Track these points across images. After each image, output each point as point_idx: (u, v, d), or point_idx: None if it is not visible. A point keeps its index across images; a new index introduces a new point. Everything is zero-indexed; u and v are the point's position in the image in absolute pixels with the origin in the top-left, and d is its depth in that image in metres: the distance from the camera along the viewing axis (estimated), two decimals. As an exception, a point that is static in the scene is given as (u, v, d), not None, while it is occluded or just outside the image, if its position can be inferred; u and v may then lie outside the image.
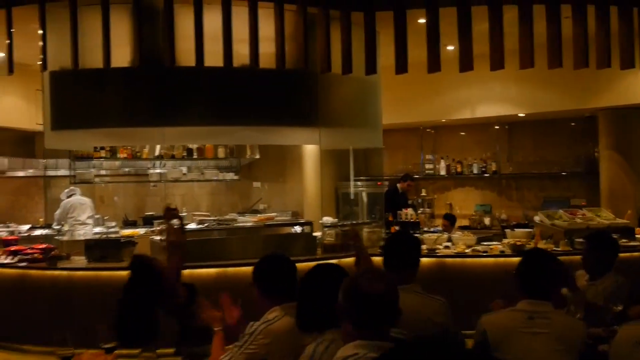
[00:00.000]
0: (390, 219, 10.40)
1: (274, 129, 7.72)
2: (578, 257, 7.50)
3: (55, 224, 10.21)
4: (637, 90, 9.67)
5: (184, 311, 5.01)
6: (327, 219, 9.15)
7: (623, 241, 8.15)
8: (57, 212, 10.28)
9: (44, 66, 7.14)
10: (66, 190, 10.35)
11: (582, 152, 11.25)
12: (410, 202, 10.96)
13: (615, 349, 3.41)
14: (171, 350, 5.26)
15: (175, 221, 5.46)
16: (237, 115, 7.35)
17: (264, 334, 3.58)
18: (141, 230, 10.77)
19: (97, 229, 10.63)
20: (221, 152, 11.40)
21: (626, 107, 9.89)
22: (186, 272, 5.52)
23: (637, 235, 8.55)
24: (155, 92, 7.23)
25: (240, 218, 8.98)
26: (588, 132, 11.23)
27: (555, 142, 11.50)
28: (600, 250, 5.27)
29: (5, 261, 7.68)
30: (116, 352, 3.75)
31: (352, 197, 10.64)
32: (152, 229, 10.47)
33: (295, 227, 8.38)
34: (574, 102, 10.17)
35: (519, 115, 10.92)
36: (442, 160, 12.13)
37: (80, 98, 7.27)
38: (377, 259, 6.45)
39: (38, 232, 10.33)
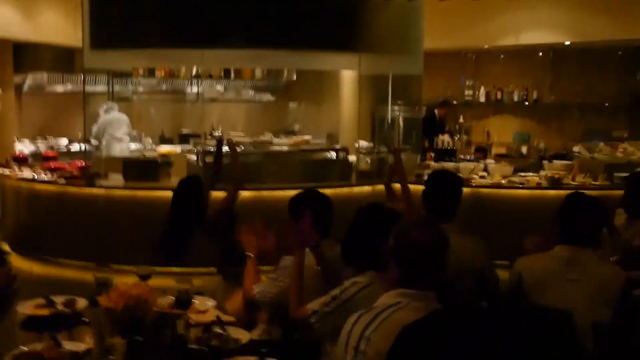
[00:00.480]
0: (427, 145, 10.33)
1: (314, 53, 7.62)
2: (617, 192, 7.49)
3: (92, 139, 10.32)
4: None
5: (225, 235, 5.11)
6: (363, 143, 9.12)
7: (663, 177, 8.01)
8: (94, 127, 10.37)
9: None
10: (104, 106, 10.40)
11: (628, 84, 10.90)
12: (447, 128, 10.84)
13: None
14: (214, 270, 5.43)
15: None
16: (277, 38, 7.23)
17: (296, 269, 3.59)
18: (177, 149, 10.84)
19: (134, 146, 10.75)
20: (258, 73, 11.30)
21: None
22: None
23: (678, 172, 8.37)
24: (195, 14, 7.11)
25: (276, 140, 8.98)
26: (636, 63, 10.86)
27: (600, 72, 11.13)
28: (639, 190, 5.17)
29: (45, 178, 7.82)
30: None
31: (389, 121, 10.54)
32: (188, 148, 10.57)
33: (330, 152, 8.33)
34: (624, 31, 9.77)
35: (565, 43, 10.57)
36: (482, 87, 11.89)
37: (120, 17, 7.21)
38: (412, 187, 6.48)
39: (76, 147, 10.45)
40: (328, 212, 3.85)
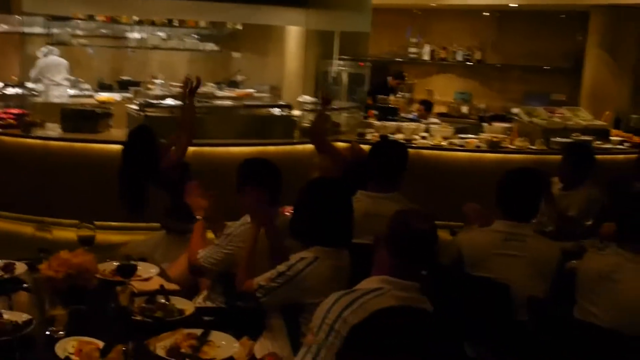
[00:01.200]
0: (370, 102, 10.36)
1: (262, 7, 7.49)
2: (553, 157, 7.70)
3: (30, 83, 10.01)
4: (633, -12, 9.48)
5: (175, 188, 5.03)
6: (306, 98, 9.08)
7: (597, 143, 8.26)
8: (32, 71, 10.06)
9: None
10: (43, 49, 10.07)
11: (570, 48, 11.08)
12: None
13: (581, 277, 3.47)
14: (157, 225, 5.38)
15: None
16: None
17: (241, 235, 3.59)
18: (117, 96, 10.59)
19: (72, 91, 10.47)
20: (202, 22, 11.06)
21: (620, 5, 9.67)
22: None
23: (611, 138, 8.62)
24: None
25: (218, 93, 8.85)
26: (578, 27, 11.03)
27: (544, 35, 11.28)
28: (577, 163, 5.31)
29: (-22, 125, 7.57)
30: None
31: (334, 75, 10.49)
32: (128, 95, 10.35)
33: (274, 108, 8.27)
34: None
35: (511, 5, 10.65)
36: (427, 45, 11.92)
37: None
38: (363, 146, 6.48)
39: (11, 91, 10.11)
40: (279, 185, 3.80)
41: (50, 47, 10.03)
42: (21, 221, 7.23)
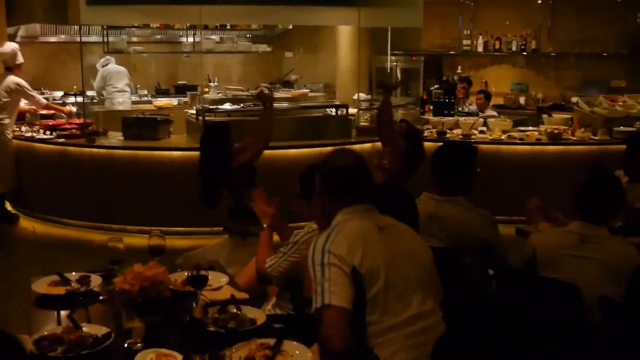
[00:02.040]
0: (425, 97, 10.29)
1: (313, 8, 7.52)
2: (616, 147, 7.56)
3: (95, 92, 10.28)
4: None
5: (241, 190, 5.11)
6: (362, 95, 9.06)
7: (662, 131, 8.04)
8: (95, 81, 10.35)
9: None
10: (102, 60, 10.37)
11: (626, 33, 10.79)
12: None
13: None
14: (220, 229, 5.47)
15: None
16: (275, -6, 7.16)
17: (307, 243, 3.61)
18: (174, 101, 10.79)
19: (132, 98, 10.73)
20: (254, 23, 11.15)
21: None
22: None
23: (677, 125, 8.39)
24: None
25: (275, 94, 8.89)
26: (634, 11, 10.75)
27: (599, 21, 10.99)
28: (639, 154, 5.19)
29: (44, 136, 7.78)
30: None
31: (388, 71, 10.46)
32: (184, 100, 10.52)
33: (330, 108, 8.29)
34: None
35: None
36: (480, 36, 11.77)
37: (116, -27, 7.08)
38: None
39: (72, 99, 10.38)
40: None
41: (108, 57, 10.28)
42: (89, 229, 7.45)
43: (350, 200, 2.98)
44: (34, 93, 8.53)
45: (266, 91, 5.49)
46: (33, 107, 8.59)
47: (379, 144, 6.47)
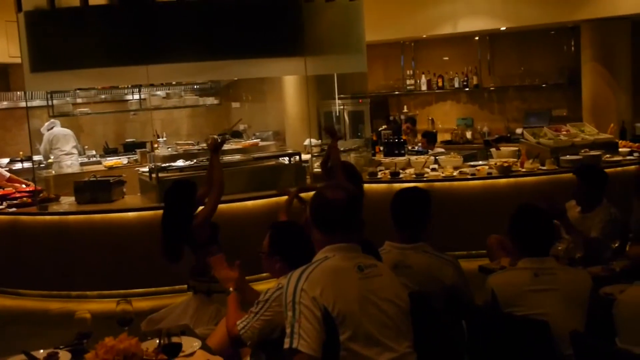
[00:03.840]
0: (375, 138, 10.44)
1: (260, 61, 7.56)
2: (564, 175, 7.75)
3: (42, 157, 10.15)
4: (619, 1, 9.57)
5: (202, 248, 5.07)
6: (313, 141, 9.12)
7: (607, 156, 8.29)
8: (41, 146, 10.23)
9: (19, 7, 6.86)
10: (46, 124, 10.28)
11: (564, 63, 11.17)
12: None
13: (621, 308, 3.48)
14: (182, 287, 5.41)
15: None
16: (222, 49, 7.20)
17: (278, 300, 3.60)
18: (123, 159, 10.72)
19: (79, 159, 10.61)
20: (200, 76, 11.18)
21: (609, 18, 9.76)
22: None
23: (620, 149, 8.65)
24: (136, 30, 7.02)
25: (225, 146, 8.89)
26: (570, 42, 11.15)
27: (537, 53, 11.41)
28: (592, 184, 5.35)
29: (-6, 206, 7.63)
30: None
31: (337, 115, 10.58)
32: (135, 158, 10.45)
33: (283, 157, 8.33)
34: (556, 15, 10.01)
35: (501, 29, 10.77)
36: (422, 75, 12.03)
37: (59, 38, 7.04)
38: (365, 186, 6.54)
39: (18, 166, 10.22)
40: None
41: (53, 120, 10.19)
42: (48, 298, 7.27)
43: (336, 236, 2.98)
44: None
45: (216, 138, 5.47)
46: None
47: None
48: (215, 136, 5.42)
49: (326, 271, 2.87)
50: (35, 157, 9.89)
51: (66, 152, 10.27)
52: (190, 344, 3.53)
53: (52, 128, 10.28)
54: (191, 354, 3.44)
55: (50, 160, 10.23)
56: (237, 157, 8.12)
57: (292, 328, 2.77)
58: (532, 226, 3.80)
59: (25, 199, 7.64)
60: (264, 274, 6.40)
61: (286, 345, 2.76)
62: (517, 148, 8.95)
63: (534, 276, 3.66)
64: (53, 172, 9.87)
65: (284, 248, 3.78)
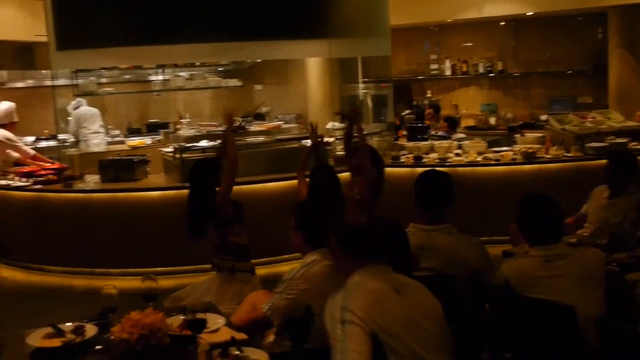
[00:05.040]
0: (397, 122, 10.39)
1: (283, 42, 7.53)
2: (590, 162, 7.69)
3: (69, 136, 10.23)
4: (649, -13, 9.45)
5: (227, 226, 5.10)
6: (335, 124, 9.11)
7: (633, 144, 8.20)
8: (70, 125, 10.30)
9: (45, -15, 6.91)
10: (73, 103, 10.32)
11: (590, 50, 11.05)
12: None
13: None
14: (206, 266, 5.44)
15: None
16: (245, 30, 7.16)
17: (303, 279, 3.64)
18: (147, 139, 10.76)
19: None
20: (223, 57, 11.18)
21: (637, 4, 9.62)
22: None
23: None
24: (160, 9, 7.01)
25: (249, 128, 8.89)
26: (597, 29, 11.01)
27: (563, 39, 11.28)
28: (623, 170, 5.30)
29: (20, 184, 7.69)
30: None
31: (360, 99, 10.56)
32: (158, 138, 10.48)
33: (305, 140, 8.31)
34: (583, 0, 9.92)
35: (527, 14, 10.66)
36: (447, 60, 11.95)
37: (84, 17, 7.06)
38: (388, 170, 6.55)
39: (44, 144, 10.30)
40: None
41: (79, 99, 10.24)
42: (71, 274, 7.36)
43: (366, 260, 3.01)
44: (21, 144, 8.49)
45: (237, 119, 5.50)
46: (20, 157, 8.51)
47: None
48: (238, 118, 5.44)
49: (368, 294, 2.91)
50: (60, 136, 9.98)
51: (93, 131, 10.35)
52: (215, 321, 3.56)
53: (78, 107, 10.34)
54: (215, 330, 3.47)
55: (77, 140, 10.29)
56: (260, 139, 8.13)
57: (342, 344, 2.82)
58: (538, 216, 3.74)
59: (50, 176, 7.71)
60: (287, 255, 6.48)
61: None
62: (541, 134, 8.87)
63: (545, 262, 3.62)
64: (81, 150, 9.92)
65: (304, 224, 3.81)
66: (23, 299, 6.89)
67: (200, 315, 3.28)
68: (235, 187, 5.34)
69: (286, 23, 7.41)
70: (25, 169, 8.07)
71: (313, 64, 10.93)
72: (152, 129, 11.32)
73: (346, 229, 3.09)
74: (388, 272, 3.03)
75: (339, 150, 8.36)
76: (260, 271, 6.14)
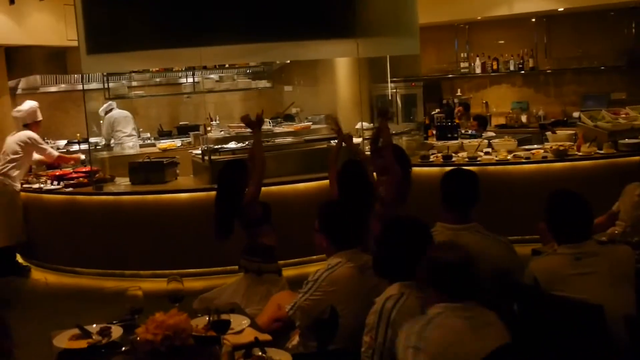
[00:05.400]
0: (427, 121, 10.33)
1: (311, 42, 7.51)
2: (623, 159, 7.55)
3: (101, 139, 10.35)
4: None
5: (255, 228, 5.10)
6: (365, 124, 9.08)
7: (668, 140, 8.04)
8: (103, 129, 10.43)
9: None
10: (104, 106, 10.44)
11: (624, 45, 10.84)
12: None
13: None
14: (234, 267, 5.45)
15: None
16: (274, 31, 7.14)
17: (328, 280, 3.63)
18: (177, 142, 10.84)
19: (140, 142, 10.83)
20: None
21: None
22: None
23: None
24: (189, 12, 7.03)
25: (276, 129, 8.93)
26: (631, 24, 10.81)
27: (595, 35, 11.08)
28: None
29: (51, 187, 7.79)
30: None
31: (389, 98, 10.52)
32: (188, 140, 10.56)
33: (334, 140, 8.28)
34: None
35: (558, 10, 10.52)
36: (477, 58, 11.84)
37: (114, 21, 7.11)
38: (416, 169, 6.50)
39: (75, 147, 10.42)
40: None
41: (111, 102, 10.36)
42: (102, 276, 7.44)
43: (453, 296, 2.94)
44: (46, 146, 8.60)
45: (257, 118, 5.52)
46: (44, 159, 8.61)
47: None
48: (249, 115, 5.51)
49: (448, 332, 2.87)
50: (92, 139, 10.10)
51: (127, 133, 10.47)
52: (239, 322, 3.57)
53: (110, 110, 10.45)
54: (240, 332, 3.47)
55: (111, 144, 10.40)
56: (289, 139, 8.13)
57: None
58: (566, 213, 3.68)
59: (81, 179, 7.80)
60: (316, 257, 6.47)
61: None
62: (573, 132, 8.74)
63: (575, 260, 3.57)
64: (112, 153, 10.03)
65: (328, 227, 3.80)
66: (54, 300, 6.97)
67: (224, 317, 3.28)
68: (264, 188, 5.35)
69: (314, 23, 7.37)
70: (57, 172, 8.17)
71: (342, 64, 10.91)
72: (182, 131, 11.41)
73: (439, 266, 2.99)
74: (470, 309, 2.94)
75: (367, 151, 8.32)
76: (290, 272, 6.16)
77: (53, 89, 11.09)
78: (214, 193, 5.39)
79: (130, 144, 10.37)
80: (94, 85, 10.74)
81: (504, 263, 3.89)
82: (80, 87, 10.56)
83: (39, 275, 7.84)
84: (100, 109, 10.46)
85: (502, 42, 11.81)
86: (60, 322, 3.75)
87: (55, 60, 11.17)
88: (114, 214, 7.45)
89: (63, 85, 11.13)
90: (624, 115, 8.44)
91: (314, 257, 6.93)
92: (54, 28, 9.89)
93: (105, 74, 10.09)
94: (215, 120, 10.77)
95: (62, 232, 7.80)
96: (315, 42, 7.62)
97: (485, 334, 2.89)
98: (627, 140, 7.85)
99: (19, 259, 8.17)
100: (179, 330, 3.13)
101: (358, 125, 9.11)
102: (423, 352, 2.81)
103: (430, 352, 2.80)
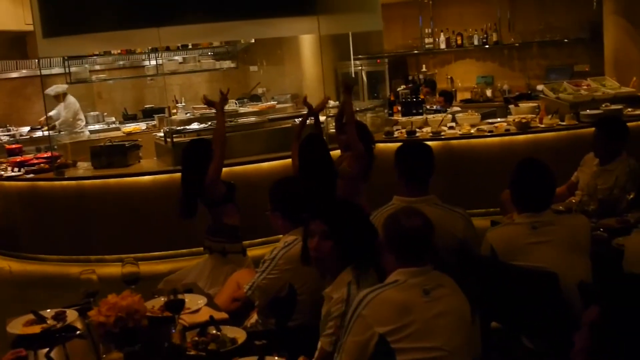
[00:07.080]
0: (392, 98, 10.32)
1: (272, 21, 7.45)
2: (585, 130, 7.61)
3: (58, 123, 10.18)
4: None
5: (218, 207, 5.07)
6: (330, 102, 9.04)
7: (628, 110, 8.13)
8: (67, 114, 10.18)
9: (29, -29, 6.84)
10: (57, 89, 10.14)
11: (587, 17, 10.90)
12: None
13: (630, 252, 3.43)
14: (198, 249, 5.42)
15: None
16: (233, 9, 7.08)
17: (285, 259, 3.60)
18: (142, 125, 10.73)
19: (98, 126, 10.67)
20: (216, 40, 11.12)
21: (631, -31, 9.51)
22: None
23: (642, 103, 8.45)
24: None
25: (242, 109, 8.87)
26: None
27: (558, 7, 11.14)
28: (611, 136, 5.22)
29: (12, 173, 7.68)
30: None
31: (353, 76, 10.47)
32: (153, 123, 10.45)
33: (298, 118, 8.26)
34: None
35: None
36: (441, 34, 11.85)
37: (70, 2, 7.01)
38: (380, 146, 6.50)
39: (39, 134, 10.28)
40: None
41: (59, 85, 10.12)
42: (66, 262, 7.36)
43: (410, 261, 2.89)
44: None
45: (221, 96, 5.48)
46: None
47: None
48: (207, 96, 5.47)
49: (389, 301, 2.79)
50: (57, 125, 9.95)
51: (81, 119, 10.33)
52: (195, 301, 3.54)
53: (65, 95, 10.21)
54: (196, 311, 3.45)
55: (71, 129, 10.25)
56: (252, 119, 8.08)
57: (340, 341, 2.86)
58: (531, 181, 3.73)
59: (42, 165, 7.69)
60: (281, 236, 6.45)
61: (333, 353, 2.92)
62: (536, 104, 8.80)
63: (532, 229, 3.62)
64: (73, 139, 9.89)
65: (281, 204, 3.78)
66: (18, 289, 6.89)
67: (180, 297, 3.26)
68: (228, 168, 5.31)
69: (274, 1, 7.34)
70: (18, 158, 8.06)
71: (307, 43, 10.84)
72: (147, 114, 11.29)
73: (398, 231, 2.93)
74: (426, 272, 2.87)
75: (332, 128, 8.31)
76: (256, 252, 6.13)
77: (14, 74, 10.91)
78: (177, 175, 5.35)
79: (86, 128, 10.23)
80: (56, 70, 10.56)
81: (461, 234, 3.89)
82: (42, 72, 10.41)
83: (2, 263, 7.73)
84: (50, 92, 10.13)
85: (466, 17, 11.82)
86: (25, 310, 3.68)
87: (16, 45, 10.98)
88: (77, 199, 7.37)
89: (24, 71, 10.94)
90: (585, 87, 8.51)
91: (280, 236, 6.90)
92: (12, 12, 9.70)
93: (66, 58, 9.91)
94: (181, 103, 10.68)
95: (25, 219, 7.70)
96: (276, 20, 7.58)
97: (439, 297, 2.85)
98: (588, 112, 7.91)
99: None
100: (131, 312, 3.08)
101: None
102: (363, 319, 2.77)
103: (368, 322, 2.76)
